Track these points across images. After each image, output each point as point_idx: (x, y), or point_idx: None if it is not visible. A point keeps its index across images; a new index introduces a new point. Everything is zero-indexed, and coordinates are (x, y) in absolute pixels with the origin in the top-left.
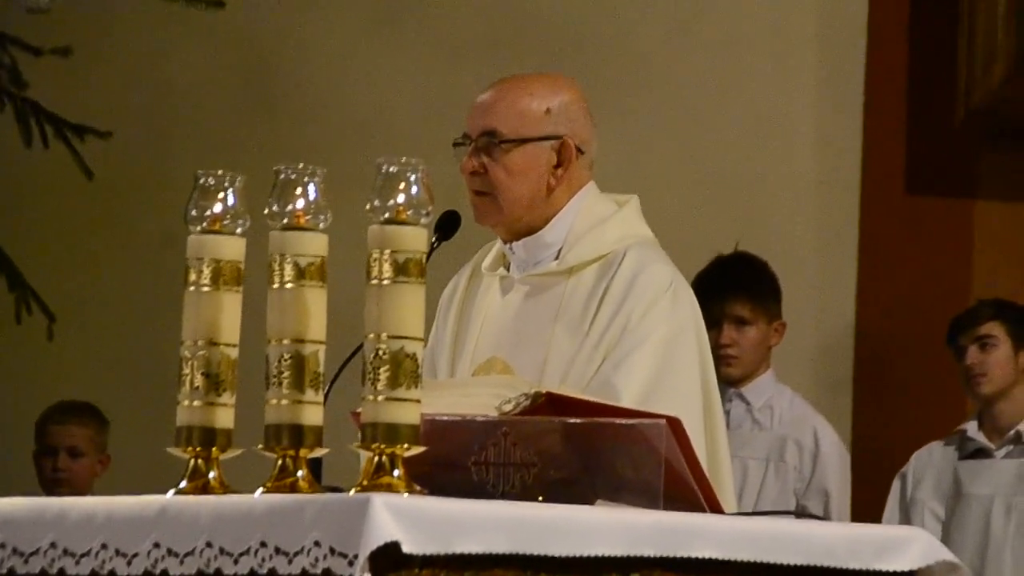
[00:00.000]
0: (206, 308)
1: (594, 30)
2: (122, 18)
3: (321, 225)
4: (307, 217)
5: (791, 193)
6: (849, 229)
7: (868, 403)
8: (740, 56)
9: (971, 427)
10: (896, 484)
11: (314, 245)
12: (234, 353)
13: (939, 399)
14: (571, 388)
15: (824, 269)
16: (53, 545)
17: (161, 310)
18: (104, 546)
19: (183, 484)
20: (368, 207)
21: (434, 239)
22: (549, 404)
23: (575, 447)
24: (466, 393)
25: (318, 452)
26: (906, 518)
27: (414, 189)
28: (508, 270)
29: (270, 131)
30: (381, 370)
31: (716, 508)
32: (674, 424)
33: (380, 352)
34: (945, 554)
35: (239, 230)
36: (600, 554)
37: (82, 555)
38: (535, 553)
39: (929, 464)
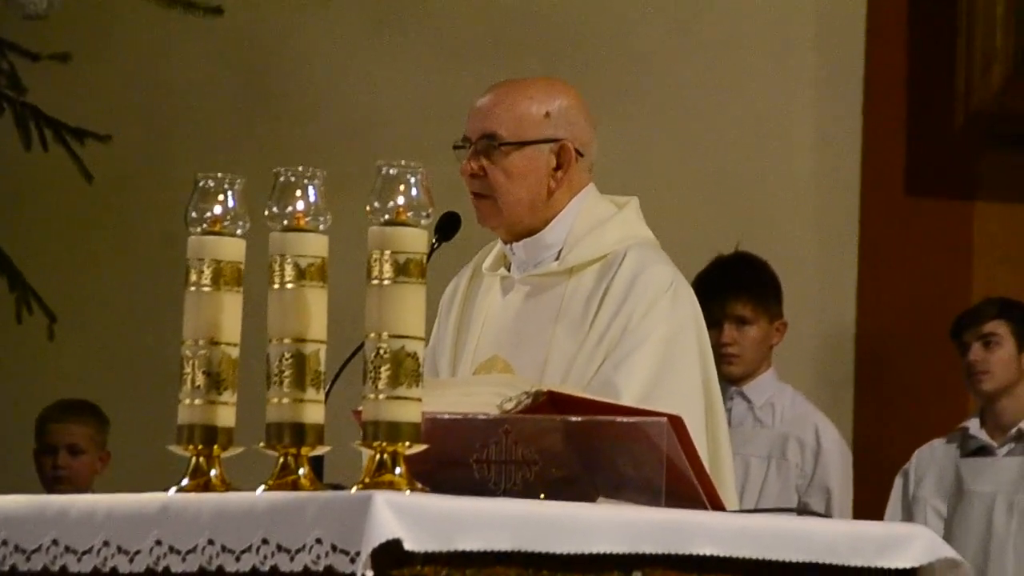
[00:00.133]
0: (207, 308)
1: (594, 31)
2: (121, 20)
3: (321, 227)
4: (307, 219)
5: (791, 194)
6: (849, 230)
7: (869, 402)
8: (740, 56)
9: (973, 424)
10: (898, 482)
11: (314, 246)
12: (235, 352)
13: (939, 398)
14: (572, 388)
15: (824, 269)
16: (55, 542)
17: (161, 310)
18: (106, 543)
19: (185, 482)
20: (368, 209)
21: (434, 240)
22: (550, 402)
23: (576, 445)
24: (467, 392)
25: (319, 450)
26: (908, 516)
27: (414, 191)
28: (509, 270)
29: (270, 133)
30: (382, 369)
31: (718, 505)
32: (675, 422)
33: (381, 351)
34: (947, 551)
35: (239, 232)
36: (602, 551)
37: (84, 552)
38: (537, 551)
39: (931, 462)
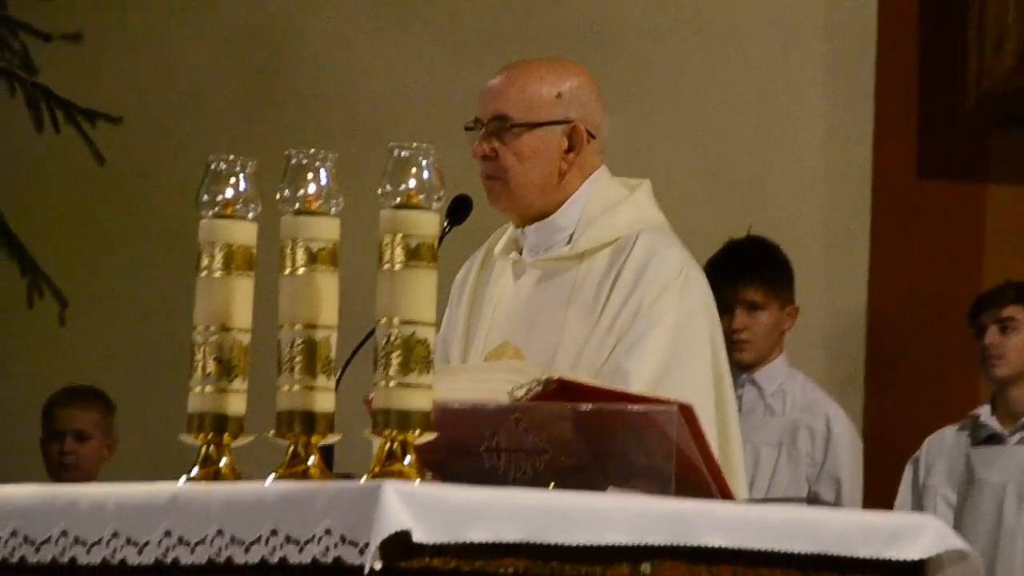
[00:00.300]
0: (218, 293)
1: (602, 20)
2: (132, 2)
3: (333, 210)
4: (319, 202)
5: (802, 178)
6: (861, 214)
7: (880, 390)
8: (749, 43)
9: (984, 412)
10: (908, 470)
11: (326, 230)
12: (246, 339)
13: (951, 385)
14: (583, 373)
15: (836, 255)
16: (64, 533)
17: (173, 295)
18: (115, 534)
19: (194, 471)
20: (380, 192)
21: (446, 224)
22: (561, 390)
23: (586, 433)
24: (478, 379)
25: (330, 439)
26: (918, 504)
27: (425, 174)
28: (520, 254)
29: (281, 116)
30: (393, 356)
31: (727, 494)
32: (686, 410)
33: (392, 337)
34: (957, 542)
35: (250, 215)
36: (611, 542)
37: (93, 544)
38: (546, 542)
39: (941, 450)
